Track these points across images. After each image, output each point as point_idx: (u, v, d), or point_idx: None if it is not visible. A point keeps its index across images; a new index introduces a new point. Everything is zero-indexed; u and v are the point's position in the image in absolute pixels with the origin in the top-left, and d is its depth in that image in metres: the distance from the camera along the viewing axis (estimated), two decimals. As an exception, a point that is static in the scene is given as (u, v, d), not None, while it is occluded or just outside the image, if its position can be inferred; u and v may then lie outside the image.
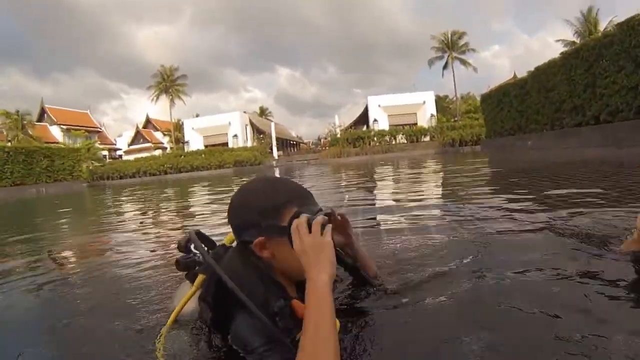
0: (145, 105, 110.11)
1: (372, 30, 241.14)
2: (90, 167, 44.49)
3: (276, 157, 49.02)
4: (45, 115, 62.26)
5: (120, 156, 67.93)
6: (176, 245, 1.51)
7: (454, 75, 58.00)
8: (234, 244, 1.45)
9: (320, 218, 1.29)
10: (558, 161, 10.62)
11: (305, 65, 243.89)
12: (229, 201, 1.43)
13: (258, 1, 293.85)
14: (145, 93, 66.48)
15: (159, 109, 72.98)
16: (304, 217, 1.29)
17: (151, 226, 5.83)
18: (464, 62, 57.79)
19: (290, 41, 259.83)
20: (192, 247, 1.46)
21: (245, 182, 1.48)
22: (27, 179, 32.65)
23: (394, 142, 43.45)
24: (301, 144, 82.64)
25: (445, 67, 58.25)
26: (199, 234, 1.46)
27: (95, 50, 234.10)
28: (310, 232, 1.26)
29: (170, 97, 63.41)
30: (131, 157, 53.24)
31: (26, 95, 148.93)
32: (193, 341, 1.41)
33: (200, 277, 1.43)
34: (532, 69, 19.56)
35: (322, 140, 63.85)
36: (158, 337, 1.39)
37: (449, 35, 57.58)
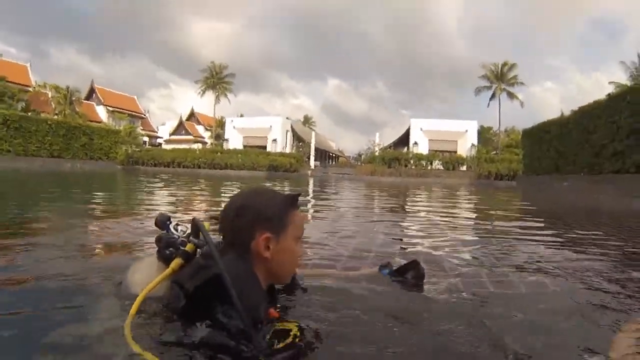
0: (191, 98, 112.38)
1: (427, 53, 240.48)
2: (129, 151, 45.67)
3: (312, 167, 49.08)
4: (94, 94, 64.39)
5: (160, 144, 69.67)
6: (154, 222, 1.58)
7: (499, 107, 56.82)
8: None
9: None
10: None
11: (356, 79, 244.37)
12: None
13: (317, 10, 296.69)
14: (193, 86, 67.86)
15: (205, 104, 74.48)
16: None
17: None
18: (511, 95, 56.63)
19: (344, 53, 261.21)
20: (171, 227, 1.56)
21: (248, 188, 1.64)
22: (64, 153, 34.24)
23: (429, 167, 43.02)
24: (340, 157, 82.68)
25: (492, 97, 57.17)
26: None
27: (151, 37, 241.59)
28: None
29: (216, 93, 64.76)
30: (170, 147, 54.48)
31: (80, 72, 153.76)
32: (162, 327, 1.35)
33: (177, 261, 1.46)
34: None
35: (362, 156, 63.92)
36: (124, 327, 1.26)
37: (499, 66, 56.51)
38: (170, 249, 1.49)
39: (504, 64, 56.70)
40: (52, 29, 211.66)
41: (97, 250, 3.03)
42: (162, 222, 1.56)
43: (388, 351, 1.37)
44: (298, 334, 1.36)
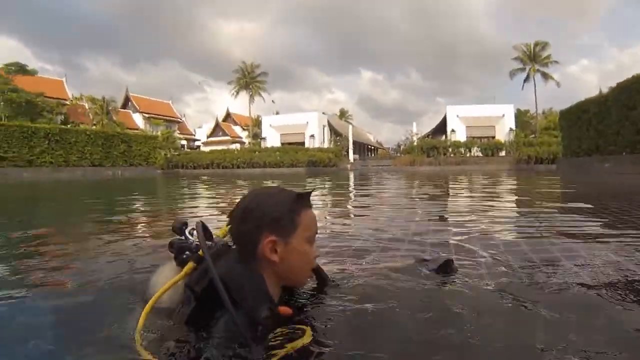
0: (226, 99, 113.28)
1: (456, 39, 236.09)
2: (168, 155, 47.03)
3: (352, 161, 48.96)
4: (129, 102, 66.33)
5: (199, 147, 70.63)
6: (171, 228, 1.62)
7: (535, 88, 55.30)
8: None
9: None
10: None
11: (389, 70, 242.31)
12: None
13: (343, 4, 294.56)
14: (227, 87, 68.45)
15: (240, 104, 75.13)
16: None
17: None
18: (546, 76, 54.92)
19: (375, 45, 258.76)
20: (187, 232, 1.59)
21: (257, 187, 1.61)
22: (104, 161, 35.39)
23: (468, 155, 42.67)
24: (379, 149, 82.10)
25: (526, 79, 55.61)
26: (203, 225, 1.51)
27: (182, 42, 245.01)
28: None
29: (250, 93, 64.83)
30: (209, 149, 55.32)
31: (114, 82, 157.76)
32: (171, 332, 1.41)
33: (190, 265, 1.48)
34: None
35: (401, 147, 63.65)
36: (136, 327, 1.38)
37: (532, 47, 54.80)
38: (187, 252, 1.53)
39: (536, 44, 54.86)
40: (81, 41, 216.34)
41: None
42: (179, 227, 1.59)
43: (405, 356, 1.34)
44: (309, 336, 1.34)
